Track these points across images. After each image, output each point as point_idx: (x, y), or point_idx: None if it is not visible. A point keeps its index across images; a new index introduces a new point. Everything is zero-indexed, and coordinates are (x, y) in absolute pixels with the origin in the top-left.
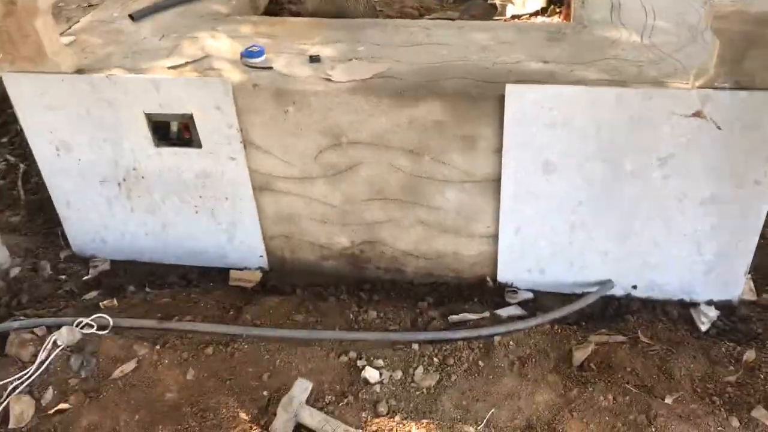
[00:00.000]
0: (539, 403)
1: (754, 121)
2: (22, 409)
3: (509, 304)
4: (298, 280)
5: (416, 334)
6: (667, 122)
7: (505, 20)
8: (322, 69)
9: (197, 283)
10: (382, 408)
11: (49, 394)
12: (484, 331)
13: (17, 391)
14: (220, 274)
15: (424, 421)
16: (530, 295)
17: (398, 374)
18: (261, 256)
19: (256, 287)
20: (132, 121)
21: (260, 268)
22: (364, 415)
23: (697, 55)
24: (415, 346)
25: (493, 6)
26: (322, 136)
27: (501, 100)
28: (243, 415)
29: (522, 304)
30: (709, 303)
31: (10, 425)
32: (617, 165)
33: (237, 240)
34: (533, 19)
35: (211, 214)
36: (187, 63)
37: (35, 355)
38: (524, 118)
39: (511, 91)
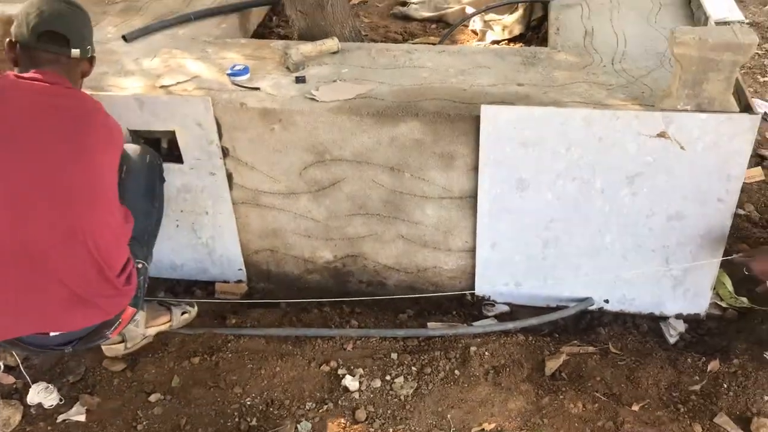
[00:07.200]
0: (512, 410)
1: (713, 141)
2: (8, 414)
3: (486, 317)
4: (282, 293)
5: (395, 330)
6: (633, 142)
7: (485, 46)
8: (307, 89)
9: (184, 296)
10: (361, 414)
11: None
12: (461, 330)
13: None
14: (207, 287)
15: (401, 427)
16: (507, 308)
17: (377, 383)
18: (240, 270)
19: (241, 299)
20: None
21: (240, 281)
22: (343, 421)
23: (663, 80)
24: (394, 356)
25: (474, 32)
26: (307, 153)
27: (477, 120)
28: (222, 420)
29: (499, 317)
30: (678, 317)
31: None
32: (587, 182)
33: (217, 254)
34: (512, 46)
35: (191, 228)
36: (178, 83)
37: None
38: (498, 137)
39: (486, 111)
